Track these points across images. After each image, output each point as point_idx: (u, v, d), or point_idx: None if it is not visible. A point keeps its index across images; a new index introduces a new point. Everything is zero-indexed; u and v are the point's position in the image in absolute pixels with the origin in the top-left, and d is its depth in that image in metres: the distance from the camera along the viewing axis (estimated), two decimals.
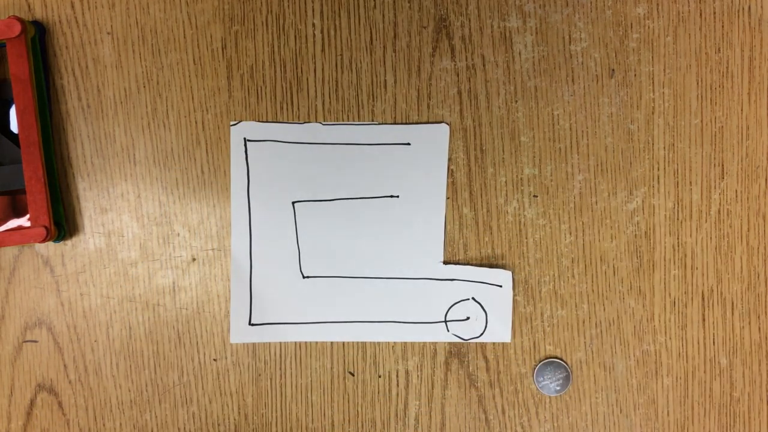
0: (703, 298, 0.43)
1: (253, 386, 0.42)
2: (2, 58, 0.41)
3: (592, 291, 0.43)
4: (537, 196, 0.42)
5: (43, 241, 0.39)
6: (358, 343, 0.42)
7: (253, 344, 0.42)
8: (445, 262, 0.42)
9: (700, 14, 0.42)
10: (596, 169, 0.42)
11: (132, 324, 0.42)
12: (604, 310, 0.43)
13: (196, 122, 0.42)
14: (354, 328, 0.42)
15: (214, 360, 0.42)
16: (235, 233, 0.42)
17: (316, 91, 0.42)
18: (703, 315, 0.43)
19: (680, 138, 0.42)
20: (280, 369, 0.42)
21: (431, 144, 0.42)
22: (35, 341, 0.42)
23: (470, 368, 0.43)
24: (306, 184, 0.42)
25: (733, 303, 0.43)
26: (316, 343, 0.42)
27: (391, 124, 0.42)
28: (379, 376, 0.42)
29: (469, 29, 0.42)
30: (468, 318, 0.42)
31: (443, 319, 0.42)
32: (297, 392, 0.42)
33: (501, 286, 0.42)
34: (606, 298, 0.43)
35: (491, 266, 0.42)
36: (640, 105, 0.42)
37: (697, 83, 0.42)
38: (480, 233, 0.42)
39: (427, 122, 0.42)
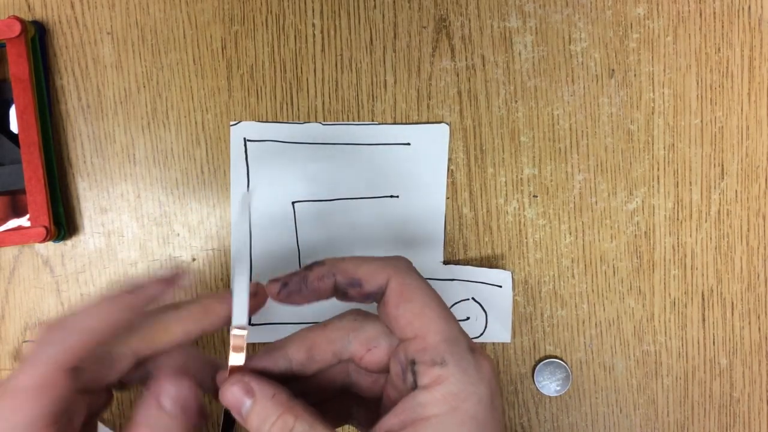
0: (703, 298, 0.43)
1: None
2: (2, 58, 0.41)
3: (592, 291, 0.43)
4: (537, 196, 0.42)
5: (43, 241, 0.39)
6: None
7: (253, 344, 0.42)
8: (445, 262, 0.42)
9: (700, 14, 0.42)
10: (596, 169, 0.42)
11: None
12: (604, 310, 0.43)
13: (196, 122, 0.42)
14: None
15: None
16: (235, 233, 0.42)
17: (316, 91, 0.42)
18: (703, 315, 0.43)
19: (680, 138, 0.42)
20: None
21: (431, 144, 0.42)
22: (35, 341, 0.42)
23: None
24: (306, 184, 0.42)
25: (733, 303, 0.43)
26: None
27: (391, 124, 0.42)
28: None
29: (469, 29, 0.42)
30: (468, 318, 0.42)
31: None
32: None
33: (501, 286, 0.42)
34: (606, 298, 0.43)
35: (491, 266, 0.42)
36: (640, 105, 0.42)
37: (697, 83, 0.42)
38: (480, 233, 0.42)
39: (427, 122, 0.42)
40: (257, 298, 0.29)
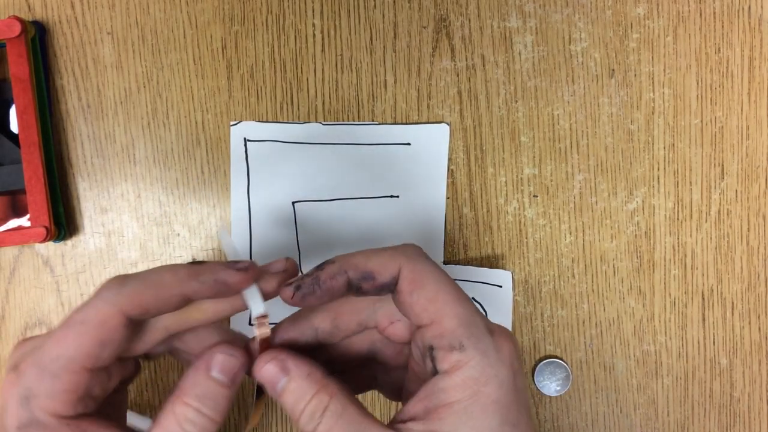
0: (703, 298, 0.43)
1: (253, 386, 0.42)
2: (2, 58, 0.41)
3: (592, 291, 0.43)
4: (537, 196, 0.42)
5: (43, 241, 0.39)
6: None
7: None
8: (445, 262, 0.42)
9: (700, 14, 0.42)
10: (596, 169, 0.42)
11: None
12: (604, 310, 0.43)
13: (196, 122, 0.42)
14: None
15: None
16: (235, 233, 0.42)
17: (316, 91, 0.42)
18: (703, 315, 0.43)
19: (680, 138, 0.42)
20: None
21: (431, 144, 0.42)
22: None
23: None
24: (306, 184, 0.42)
25: (733, 303, 0.43)
26: None
27: (391, 124, 0.42)
28: None
29: (469, 29, 0.42)
30: None
31: None
32: None
33: (501, 286, 0.42)
34: (606, 298, 0.43)
35: (491, 266, 0.42)
36: (640, 105, 0.42)
37: (697, 83, 0.42)
38: (480, 233, 0.42)
39: (427, 122, 0.42)
40: (286, 273, 0.28)
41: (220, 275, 0.26)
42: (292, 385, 0.26)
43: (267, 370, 0.26)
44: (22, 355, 0.27)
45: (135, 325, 0.27)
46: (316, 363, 0.27)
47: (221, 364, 0.27)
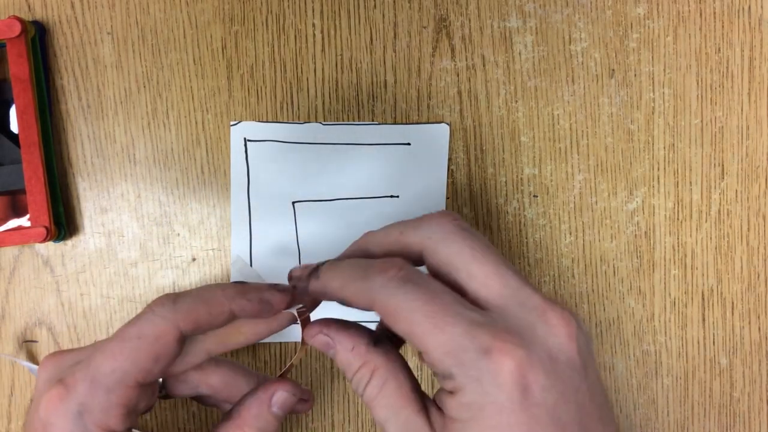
0: (703, 298, 0.43)
1: None
2: (2, 58, 0.41)
3: (592, 291, 0.43)
4: (537, 196, 0.42)
5: (43, 241, 0.39)
6: None
7: (253, 344, 0.42)
8: None
9: (700, 14, 0.42)
10: (596, 169, 0.42)
11: None
12: (604, 310, 0.43)
13: (196, 122, 0.42)
14: None
15: None
16: (235, 233, 0.42)
17: (316, 91, 0.42)
18: (703, 315, 0.43)
19: (680, 138, 0.42)
20: (280, 369, 0.42)
21: (431, 144, 0.42)
22: (35, 341, 0.42)
23: None
24: (306, 184, 0.42)
25: (733, 303, 0.43)
26: None
27: (391, 124, 0.42)
28: None
29: (469, 29, 0.42)
30: None
31: None
32: None
33: None
34: (606, 298, 0.43)
35: None
36: (640, 105, 0.42)
37: (697, 83, 0.42)
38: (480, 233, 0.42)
39: (427, 122, 0.42)
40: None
41: (265, 295, 0.28)
42: (339, 356, 0.27)
43: (318, 340, 0.28)
44: (65, 369, 0.27)
45: (183, 342, 0.28)
46: (361, 334, 0.28)
47: (283, 401, 0.29)
